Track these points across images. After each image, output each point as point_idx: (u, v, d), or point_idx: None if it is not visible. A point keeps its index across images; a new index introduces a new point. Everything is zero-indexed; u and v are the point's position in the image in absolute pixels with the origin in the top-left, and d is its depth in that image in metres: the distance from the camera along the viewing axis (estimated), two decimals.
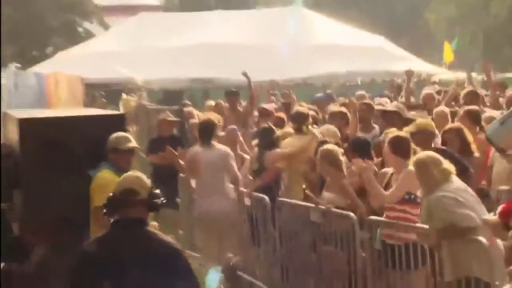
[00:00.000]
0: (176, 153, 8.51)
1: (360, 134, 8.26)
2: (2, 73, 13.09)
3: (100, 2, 39.20)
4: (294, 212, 7.36)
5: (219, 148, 8.21)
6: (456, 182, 5.55)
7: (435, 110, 8.65)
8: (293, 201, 7.41)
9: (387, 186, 6.34)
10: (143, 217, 4.06)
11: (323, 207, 6.72)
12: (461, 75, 16.81)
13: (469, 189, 5.60)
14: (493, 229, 4.46)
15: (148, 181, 4.15)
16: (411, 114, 8.46)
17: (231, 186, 8.09)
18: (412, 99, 10.65)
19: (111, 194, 4.13)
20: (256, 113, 11.01)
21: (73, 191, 5.75)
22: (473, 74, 20.34)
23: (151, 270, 3.91)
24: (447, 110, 8.52)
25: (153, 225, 4.47)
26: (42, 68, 24.10)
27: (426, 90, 11.28)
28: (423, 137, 6.79)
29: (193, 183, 8.58)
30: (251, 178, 8.23)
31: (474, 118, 7.98)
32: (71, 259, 5.41)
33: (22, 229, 5.95)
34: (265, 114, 10.30)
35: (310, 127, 8.18)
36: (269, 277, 7.86)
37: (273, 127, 8.36)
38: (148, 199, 4.07)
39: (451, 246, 5.41)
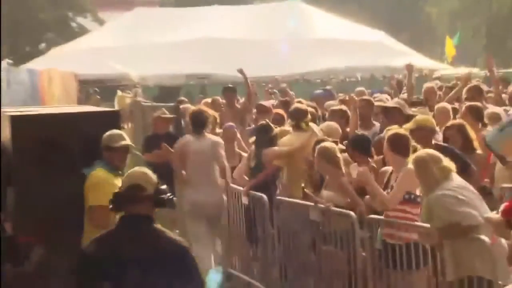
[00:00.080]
0: (172, 151, 8.52)
1: (359, 131, 8.25)
2: None
3: None
4: (293, 211, 7.35)
5: (210, 137, 8.42)
6: (457, 179, 5.54)
7: (437, 106, 8.64)
8: (292, 199, 7.41)
9: (386, 185, 6.34)
10: (149, 213, 4.10)
11: (322, 205, 6.72)
12: (463, 70, 16.81)
13: (470, 187, 5.58)
14: (496, 228, 4.45)
15: (154, 177, 4.19)
16: (412, 110, 8.44)
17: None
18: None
19: (117, 190, 4.16)
20: (254, 110, 11.00)
21: (67, 189, 5.74)
22: (476, 70, 20.36)
23: (159, 268, 3.94)
24: (448, 106, 8.52)
25: None
26: (35, 64, 24.11)
27: (428, 84, 11.25)
28: (423, 134, 6.77)
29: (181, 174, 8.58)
30: (246, 178, 8.23)
31: (476, 114, 7.97)
32: (68, 258, 5.46)
33: (15, 228, 5.94)
34: (263, 111, 10.29)
35: (309, 124, 8.18)
36: (267, 277, 7.86)
37: (271, 124, 8.34)
38: (154, 194, 4.10)
39: (453, 245, 5.40)
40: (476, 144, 7.11)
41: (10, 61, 29.27)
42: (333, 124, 8.16)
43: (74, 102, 19.83)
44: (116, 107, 18.17)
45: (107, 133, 5.89)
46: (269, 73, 20.43)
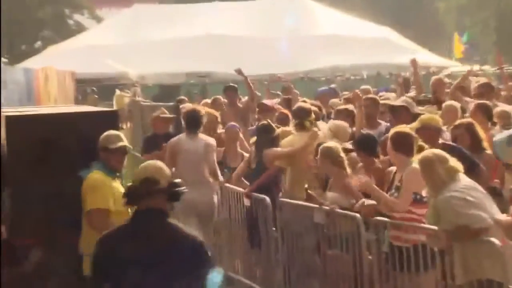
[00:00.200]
0: None
1: (365, 130, 8.24)
2: None
3: None
4: (297, 213, 7.34)
5: (203, 138, 8.51)
6: (464, 180, 5.52)
7: (444, 104, 8.62)
8: (295, 201, 7.40)
9: (390, 184, 6.33)
10: (163, 207, 4.14)
11: (327, 207, 6.71)
12: (473, 67, 16.79)
13: (479, 187, 5.56)
14: (506, 230, 4.45)
15: (168, 170, 4.25)
16: (419, 109, 8.42)
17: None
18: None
19: (130, 183, 4.22)
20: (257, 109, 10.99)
21: (64, 191, 5.74)
22: (487, 67, 20.32)
23: (174, 262, 3.99)
24: (456, 104, 8.49)
25: None
26: (31, 63, 24.13)
27: (436, 76, 11.20)
28: (429, 133, 6.74)
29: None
30: (246, 182, 8.25)
31: (486, 113, 7.95)
32: (65, 259, 5.47)
33: (11, 231, 5.94)
34: (265, 109, 10.27)
35: (315, 123, 8.18)
36: (270, 281, 7.85)
37: (272, 124, 8.32)
38: (168, 188, 4.15)
39: (462, 248, 5.39)
40: (485, 144, 7.08)
41: (5, 60, 29.30)
42: (342, 123, 8.13)
43: (71, 101, 19.84)
44: (115, 107, 18.20)
45: (104, 134, 5.88)
46: (271, 71, 20.42)
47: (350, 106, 8.90)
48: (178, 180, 4.24)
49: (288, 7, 27.04)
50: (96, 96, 22.75)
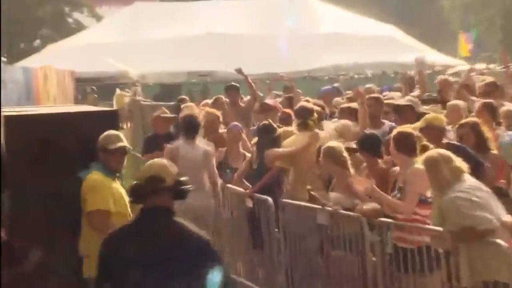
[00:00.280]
0: None
1: (369, 130, 8.23)
2: None
3: None
4: (299, 213, 7.34)
5: (201, 145, 8.49)
6: (469, 180, 5.51)
7: (448, 103, 8.62)
8: (298, 202, 7.40)
9: (394, 186, 6.32)
10: (169, 205, 4.19)
11: (330, 208, 6.70)
12: (480, 66, 16.78)
13: (484, 187, 5.55)
14: None
15: (174, 169, 4.29)
16: (424, 108, 8.42)
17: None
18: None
19: (136, 182, 4.24)
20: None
21: (62, 191, 5.75)
22: (493, 66, 20.30)
23: (181, 260, 4.02)
24: (460, 103, 8.49)
25: None
26: (30, 62, 24.16)
27: (442, 76, 11.20)
28: (433, 133, 6.74)
29: None
30: (247, 184, 8.25)
31: (492, 112, 7.95)
32: (65, 260, 5.48)
33: (10, 232, 5.95)
34: (267, 109, 10.27)
35: (316, 122, 8.17)
36: (272, 282, 7.85)
37: (273, 124, 8.32)
38: (174, 186, 4.18)
39: (468, 249, 5.38)
40: (491, 143, 7.08)
41: (4, 59, 29.33)
42: (348, 122, 8.12)
43: (71, 101, 19.88)
44: (115, 106, 18.21)
45: (104, 134, 5.89)
46: (273, 70, 20.42)
47: (353, 104, 8.89)
48: (183, 178, 4.26)
49: (290, 5, 27.04)
50: (96, 96, 22.77)
